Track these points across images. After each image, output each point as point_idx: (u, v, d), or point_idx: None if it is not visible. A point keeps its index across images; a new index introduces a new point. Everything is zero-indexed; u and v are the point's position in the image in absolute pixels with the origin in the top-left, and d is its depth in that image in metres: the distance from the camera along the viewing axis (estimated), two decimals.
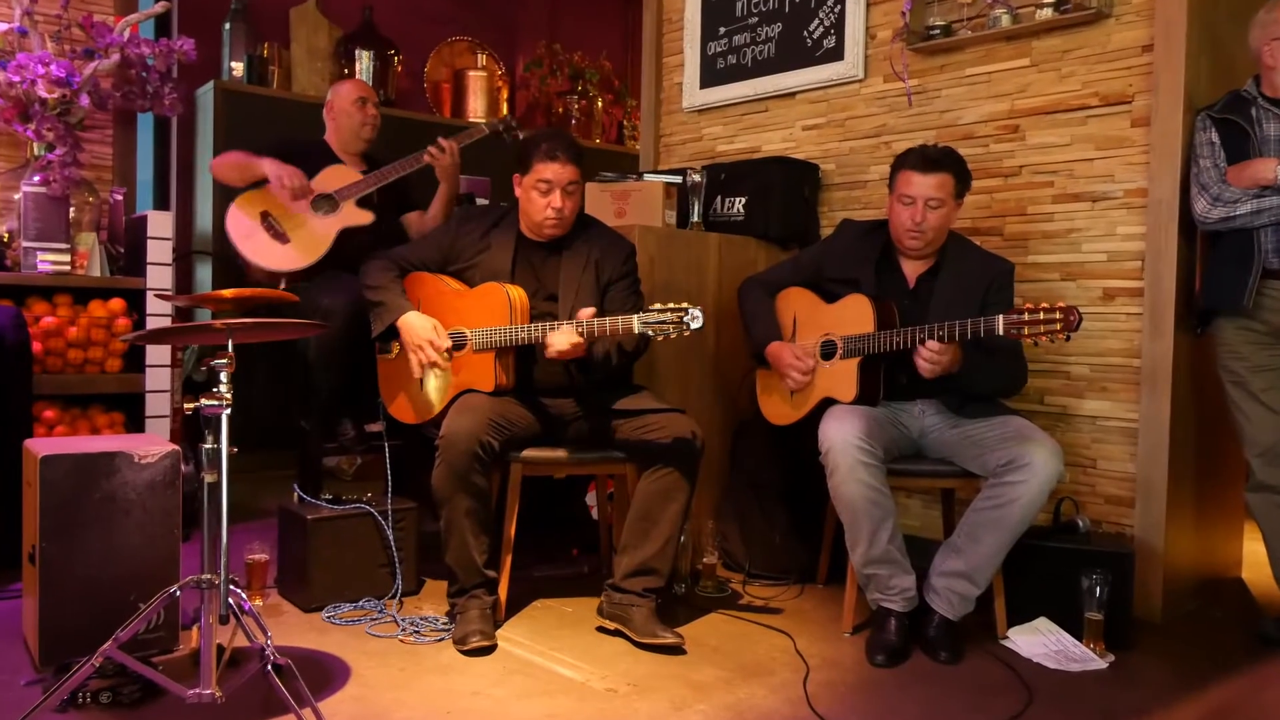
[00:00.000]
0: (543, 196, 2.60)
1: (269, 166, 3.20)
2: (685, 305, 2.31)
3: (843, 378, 2.61)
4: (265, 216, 3.20)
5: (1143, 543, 2.74)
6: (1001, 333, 2.29)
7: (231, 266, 3.43)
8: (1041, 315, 2.23)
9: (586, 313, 2.47)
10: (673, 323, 2.31)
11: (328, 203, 3.24)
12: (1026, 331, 2.26)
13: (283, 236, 3.16)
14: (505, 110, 5.60)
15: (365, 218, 3.28)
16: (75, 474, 2.11)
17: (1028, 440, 2.39)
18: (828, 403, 2.63)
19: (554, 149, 2.58)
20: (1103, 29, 2.85)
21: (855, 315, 2.61)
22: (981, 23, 3.10)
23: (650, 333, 2.34)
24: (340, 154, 3.42)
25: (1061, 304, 2.23)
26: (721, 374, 3.27)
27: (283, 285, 3.16)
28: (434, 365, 2.62)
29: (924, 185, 2.56)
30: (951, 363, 2.45)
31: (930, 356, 2.42)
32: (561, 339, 2.44)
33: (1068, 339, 2.24)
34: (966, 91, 3.15)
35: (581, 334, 2.44)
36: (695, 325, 2.29)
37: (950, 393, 2.59)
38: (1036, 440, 2.39)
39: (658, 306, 2.34)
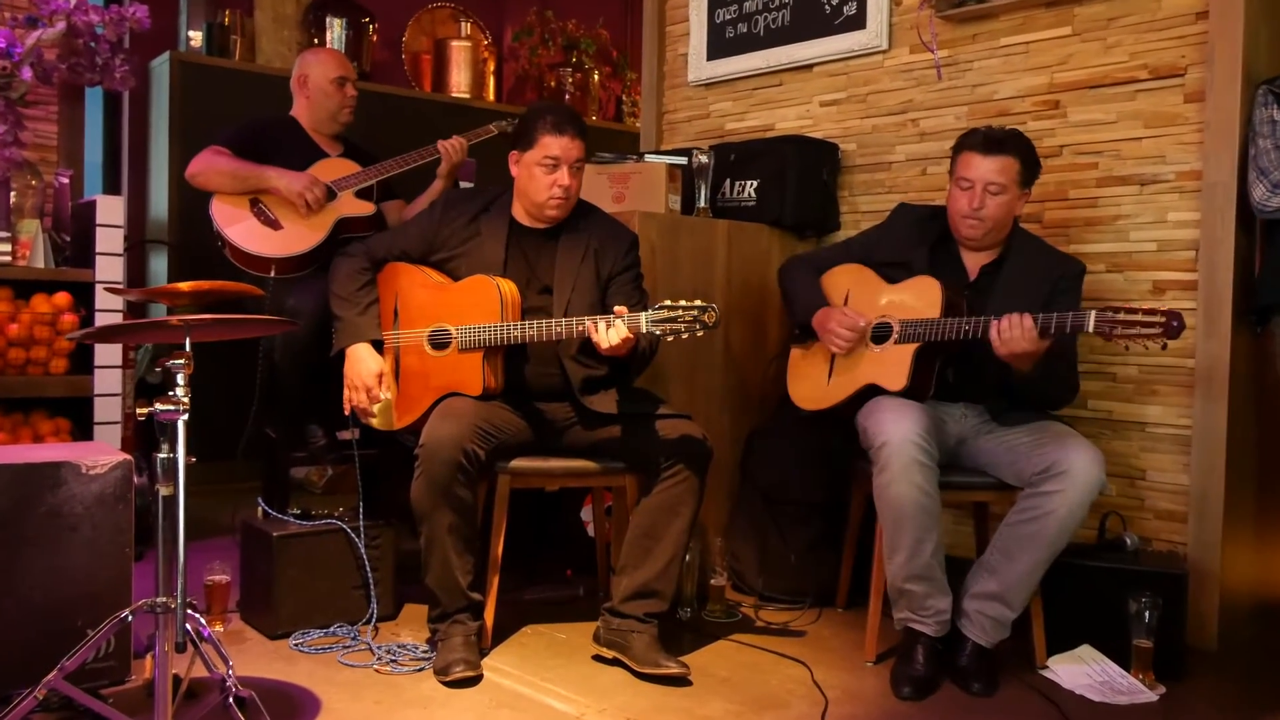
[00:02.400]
0: (548, 174, 2.58)
1: (279, 180, 3.15)
2: (698, 302, 2.30)
3: (894, 364, 2.59)
4: (255, 204, 3.19)
5: (1197, 562, 2.73)
6: (1092, 330, 2.27)
7: (204, 256, 3.41)
8: (1140, 317, 2.20)
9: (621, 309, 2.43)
10: (685, 321, 2.30)
11: (326, 193, 3.24)
12: (1119, 332, 2.23)
13: (275, 223, 3.16)
14: (492, 84, 5.59)
15: (365, 208, 3.29)
16: (16, 486, 2.11)
17: (1065, 446, 2.39)
18: (870, 391, 2.61)
19: (561, 122, 2.58)
20: None
21: (920, 298, 2.59)
22: None
23: (659, 332, 2.33)
24: (312, 134, 3.41)
25: (1163, 307, 2.21)
26: (733, 377, 3.26)
27: (273, 273, 3.14)
28: (363, 410, 2.66)
29: (985, 168, 2.56)
30: (1031, 353, 2.37)
31: (1015, 332, 2.34)
32: (615, 334, 2.37)
33: (1164, 348, 2.20)
34: (1002, 64, 3.14)
35: (633, 330, 2.39)
36: (710, 323, 2.28)
37: (996, 397, 2.57)
38: (1074, 445, 2.38)
39: (668, 304, 2.33)
